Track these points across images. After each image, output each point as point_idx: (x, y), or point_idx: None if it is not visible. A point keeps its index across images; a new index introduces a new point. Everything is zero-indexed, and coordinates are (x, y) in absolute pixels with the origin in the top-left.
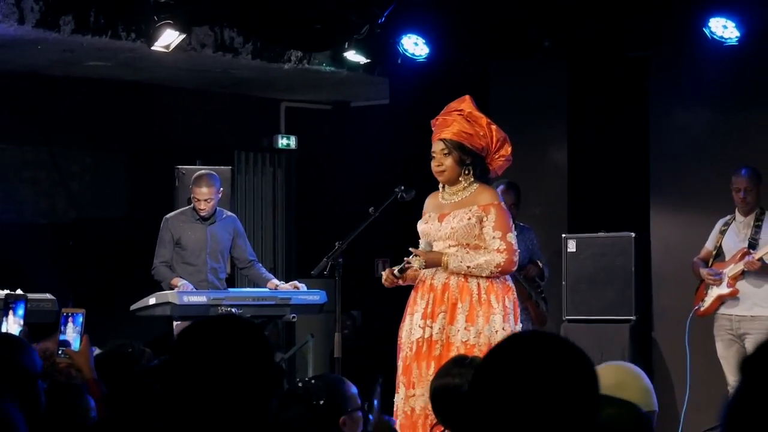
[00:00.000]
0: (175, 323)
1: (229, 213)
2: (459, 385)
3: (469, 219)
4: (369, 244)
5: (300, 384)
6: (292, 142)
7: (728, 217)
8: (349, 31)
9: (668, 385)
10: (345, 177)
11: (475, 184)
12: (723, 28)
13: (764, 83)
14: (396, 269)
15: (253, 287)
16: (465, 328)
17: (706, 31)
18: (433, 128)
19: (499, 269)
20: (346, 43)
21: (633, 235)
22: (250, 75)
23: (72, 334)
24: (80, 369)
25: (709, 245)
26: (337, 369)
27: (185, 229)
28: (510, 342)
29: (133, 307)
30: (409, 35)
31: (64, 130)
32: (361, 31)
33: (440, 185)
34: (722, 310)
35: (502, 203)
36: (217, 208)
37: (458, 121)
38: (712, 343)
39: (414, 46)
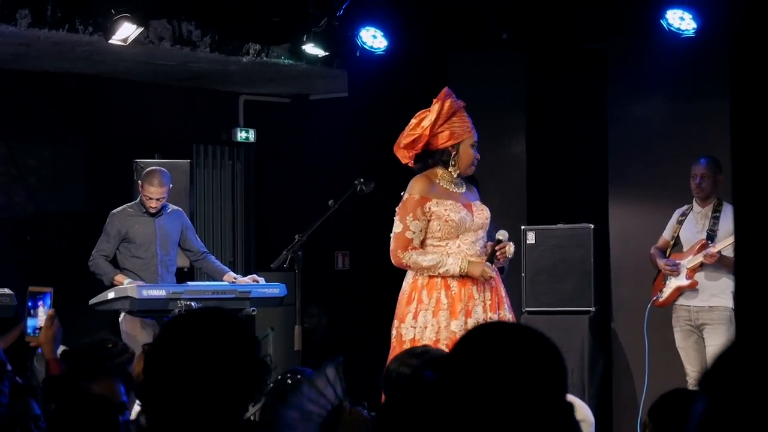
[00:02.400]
0: (121, 315)
1: (175, 206)
2: (405, 374)
3: (488, 212)
4: (329, 236)
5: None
6: (251, 135)
7: (685, 207)
8: (307, 24)
9: (627, 376)
10: (304, 170)
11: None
12: (680, 20)
13: (721, 74)
14: (487, 260)
15: (211, 281)
16: (509, 319)
17: (663, 22)
18: (460, 112)
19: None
20: (305, 36)
21: (592, 226)
22: (209, 68)
23: (43, 316)
24: (42, 346)
25: (667, 235)
26: (297, 362)
27: (133, 223)
28: (477, 331)
29: (92, 301)
30: (367, 28)
31: (22, 124)
32: (319, 24)
33: (437, 172)
34: (681, 301)
35: None
36: None
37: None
38: (670, 333)
39: (372, 38)
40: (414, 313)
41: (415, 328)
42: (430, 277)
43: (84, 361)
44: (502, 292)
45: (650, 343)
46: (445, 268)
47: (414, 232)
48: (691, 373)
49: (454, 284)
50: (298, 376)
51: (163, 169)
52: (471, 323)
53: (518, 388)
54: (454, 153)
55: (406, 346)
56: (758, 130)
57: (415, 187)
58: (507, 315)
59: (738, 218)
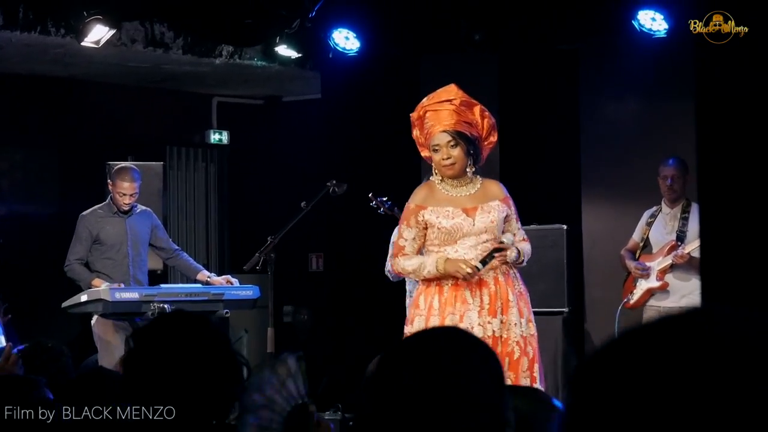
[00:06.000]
0: (93, 319)
1: (143, 207)
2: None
3: (502, 212)
4: (303, 238)
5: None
6: (224, 137)
7: (654, 208)
8: (280, 26)
9: None
10: (277, 172)
11: (478, 177)
12: (651, 21)
13: (693, 75)
14: (479, 262)
15: (185, 281)
16: (518, 320)
17: (635, 23)
18: (418, 121)
19: (529, 257)
20: (277, 38)
21: (565, 227)
22: (181, 70)
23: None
24: None
25: (636, 237)
26: None
27: (103, 224)
28: (412, 337)
29: (65, 304)
30: (340, 29)
31: None
32: (292, 26)
33: (436, 178)
34: (651, 302)
35: None
36: None
37: (455, 110)
38: None
39: (345, 40)
40: (411, 318)
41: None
42: (428, 282)
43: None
44: (510, 295)
45: None
46: (426, 270)
47: (406, 240)
48: None
49: (446, 288)
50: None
51: (134, 166)
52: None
53: (452, 397)
54: (431, 162)
55: None
56: (722, 131)
57: (413, 196)
58: (512, 319)
59: (703, 216)
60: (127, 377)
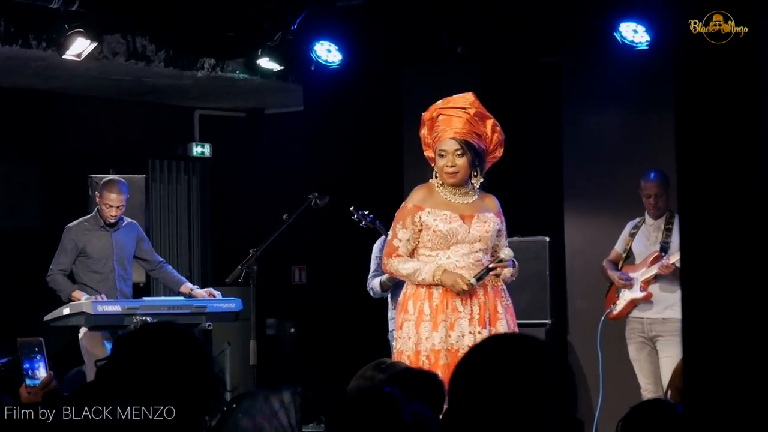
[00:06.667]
0: (81, 332)
1: (129, 219)
2: (364, 387)
3: (495, 225)
4: (285, 250)
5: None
6: (206, 150)
7: (638, 219)
8: (262, 39)
9: (583, 388)
10: (259, 184)
11: (476, 188)
12: (633, 33)
13: (674, 87)
14: (474, 277)
15: (168, 293)
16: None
17: (617, 35)
18: (430, 121)
19: (517, 274)
20: (259, 51)
21: (547, 239)
22: (163, 83)
23: (42, 374)
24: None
25: (619, 248)
26: (253, 376)
27: (90, 237)
28: (489, 342)
29: (47, 317)
30: (321, 42)
31: None
32: (274, 38)
33: (437, 182)
34: (634, 313)
35: None
36: None
37: (468, 120)
38: (625, 345)
39: (327, 52)
40: (400, 323)
41: (401, 338)
42: (417, 286)
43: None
44: (499, 307)
45: (605, 356)
46: (422, 277)
47: (401, 240)
48: (645, 385)
49: (436, 295)
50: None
51: (121, 179)
52: (454, 336)
53: (529, 404)
54: (433, 164)
55: (395, 356)
56: (701, 143)
57: (411, 196)
58: (501, 331)
59: (683, 228)
60: (101, 383)
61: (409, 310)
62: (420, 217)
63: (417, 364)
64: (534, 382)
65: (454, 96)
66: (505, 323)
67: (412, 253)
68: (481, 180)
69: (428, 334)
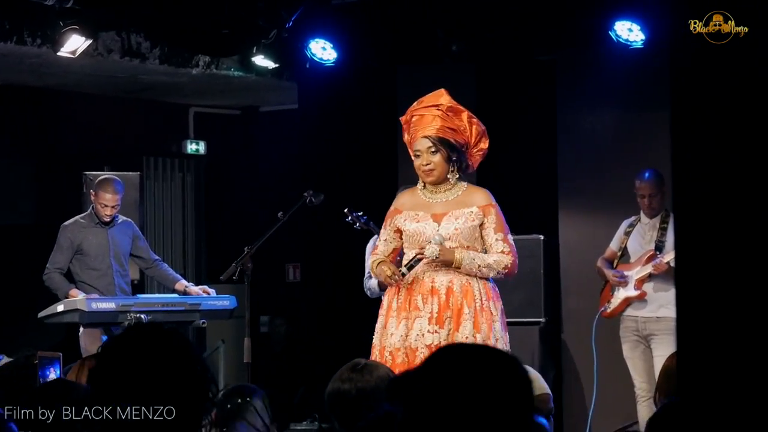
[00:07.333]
0: (80, 330)
1: (124, 217)
2: (347, 391)
3: (473, 220)
4: (280, 248)
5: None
6: (201, 147)
7: (633, 218)
8: (257, 36)
9: (577, 386)
10: (254, 182)
11: (462, 183)
12: (628, 32)
13: (669, 85)
14: (404, 266)
15: (163, 291)
16: (472, 335)
17: (612, 34)
18: (406, 125)
19: (506, 271)
20: (254, 48)
21: (542, 237)
22: (158, 80)
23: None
24: None
25: (614, 246)
26: (248, 374)
27: (86, 234)
28: (443, 352)
29: (41, 314)
30: (317, 40)
31: None
32: (269, 36)
33: (420, 183)
34: (628, 311)
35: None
36: None
37: (439, 116)
38: (619, 344)
39: (322, 50)
40: (378, 317)
41: (375, 332)
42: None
43: (16, 383)
44: (466, 309)
45: (599, 354)
46: (368, 271)
47: (383, 241)
48: (639, 384)
49: (403, 292)
50: (239, 400)
51: (116, 177)
52: (413, 335)
53: (484, 410)
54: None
55: (375, 352)
56: (697, 143)
57: (395, 200)
58: (464, 333)
59: (678, 227)
60: (93, 388)
61: (383, 305)
62: (396, 220)
63: (382, 359)
64: (479, 395)
65: (426, 96)
66: (470, 326)
67: (399, 255)
68: (457, 175)
69: (393, 330)
